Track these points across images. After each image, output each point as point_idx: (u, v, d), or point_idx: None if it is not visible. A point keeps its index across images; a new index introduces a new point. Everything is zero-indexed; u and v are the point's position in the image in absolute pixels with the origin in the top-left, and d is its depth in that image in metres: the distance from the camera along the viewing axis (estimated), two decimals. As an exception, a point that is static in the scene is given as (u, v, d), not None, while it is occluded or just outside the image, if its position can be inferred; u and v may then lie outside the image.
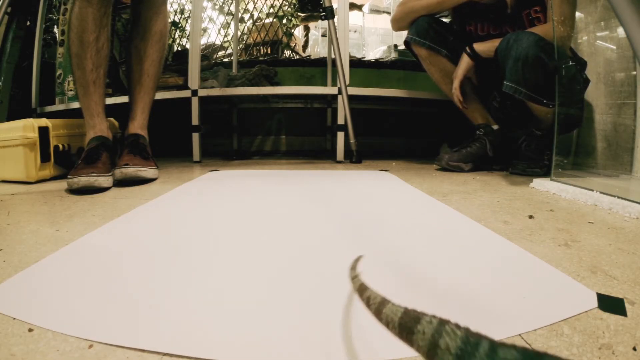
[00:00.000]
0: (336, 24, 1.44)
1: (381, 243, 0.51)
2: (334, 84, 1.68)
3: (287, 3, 2.34)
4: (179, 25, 2.29)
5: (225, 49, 2.35)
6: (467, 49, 1.18)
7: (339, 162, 1.46)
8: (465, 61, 1.18)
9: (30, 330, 0.30)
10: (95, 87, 1.02)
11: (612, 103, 1.09)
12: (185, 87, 1.53)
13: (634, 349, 0.28)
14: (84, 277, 0.41)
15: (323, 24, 2.24)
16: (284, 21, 2.32)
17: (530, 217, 0.64)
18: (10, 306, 0.34)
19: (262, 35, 2.25)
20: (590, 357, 0.27)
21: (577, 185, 0.81)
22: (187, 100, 1.48)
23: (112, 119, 1.25)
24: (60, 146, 1.10)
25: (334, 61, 1.49)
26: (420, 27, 1.24)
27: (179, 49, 2.21)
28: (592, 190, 0.75)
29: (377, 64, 1.97)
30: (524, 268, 0.43)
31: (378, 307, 0.20)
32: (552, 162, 0.94)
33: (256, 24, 2.32)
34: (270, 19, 2.30)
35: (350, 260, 0.30)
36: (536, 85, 1.02)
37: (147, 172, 1.00)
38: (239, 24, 2.22)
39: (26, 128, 1.01)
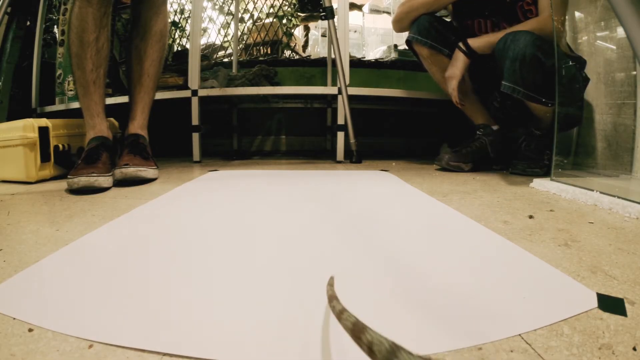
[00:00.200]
0: (336, 24, 1.44)
1: (381, 243, 0.51)
2: (334, 84, 1.69)
3: (287, 3, 2.34)
4: (179, 25, 2.29)
5: (225, 49, 2.35)
6: (461, 45, 1.13)
7: (339, 162, 1.46)
8: (461, 59, 1.14)
9: (30, 330, 0.30)
10: (95, 87, 1.02)
11: (612, 103, 1.09)
12: (185, 87, 1.53)
13: (634, 349, 0.28)
14: (84, 277, 0.41)
15: (323, 24, 2.24)
16: (284, 21, 2.32)
17: (530, 217, 0.64)
18: (10, 306, 0.34)
19: (262, 35, 2.25)
20: (590, 357, 0.27)
21: (577, 185, 0.80)
22: (187, 100, 1.48)
23: (112, 119, 1.25)
24: (60, 146, 1.10)
25: (334, 61, 1.49)
26: (421, 26, 1.22)
27: (179, 49, 2.21)
28: (592, 190, 0.75)
29: (377, 64, 1.97)
30: (524, 268, 0.43)
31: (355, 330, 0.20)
32: (552, 162, 0.94)
33: (256, 24, 2.32)
34: (270, 19, 2.30)
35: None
36: (534, 85, 1.02)
37: (147, 172, 1.00)
38: (239, 24, 2.22)
39: (26, 128, 1.02)
